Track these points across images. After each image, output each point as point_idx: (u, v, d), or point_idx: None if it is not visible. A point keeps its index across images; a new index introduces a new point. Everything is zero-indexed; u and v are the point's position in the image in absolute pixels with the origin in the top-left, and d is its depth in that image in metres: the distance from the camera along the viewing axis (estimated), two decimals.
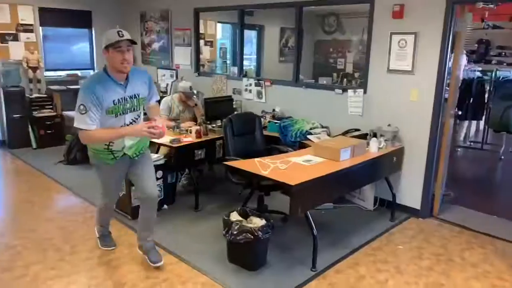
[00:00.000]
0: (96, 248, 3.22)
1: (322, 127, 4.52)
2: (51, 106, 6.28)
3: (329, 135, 4.40)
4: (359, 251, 3.30)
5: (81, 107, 2.43)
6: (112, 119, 2.57)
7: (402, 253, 3.29)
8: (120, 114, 2.58)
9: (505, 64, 9.80)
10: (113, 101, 2.53)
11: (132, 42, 2.52)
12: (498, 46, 10.43)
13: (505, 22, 9.68)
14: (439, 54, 3.67)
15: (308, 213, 2.97)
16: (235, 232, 2.91)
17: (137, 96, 2.66)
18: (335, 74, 7.00)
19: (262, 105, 5.22)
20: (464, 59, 8.51)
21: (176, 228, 3.61)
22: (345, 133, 4.20)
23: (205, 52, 6.68)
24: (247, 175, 3.14)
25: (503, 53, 10.30)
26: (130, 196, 3.68)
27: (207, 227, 3.63)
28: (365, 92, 4.22)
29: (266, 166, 3.11)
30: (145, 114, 2.87)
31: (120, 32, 2.45)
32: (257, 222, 3.05)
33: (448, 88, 4.01)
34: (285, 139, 4.47)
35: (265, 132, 4.69)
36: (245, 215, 3.15)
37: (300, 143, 4.26)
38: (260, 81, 5.26)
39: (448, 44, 3.65)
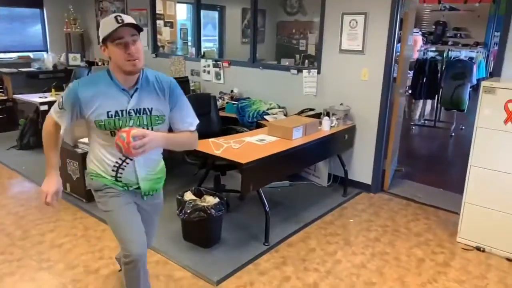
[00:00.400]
0: (48, 231, 3.19)
1: (279, 107, 4.59)
2: (1, 90, 6.02)
3: (285, 115, 4.48)
4: (311, 225, 3.43)
5: (60, 100, 1.86)
6: (107, 137, 1.84)
7: (352, 226, 3.45)
8: (116, 131, 1.80)
9: (460, 44, 10.19)
10: (108, 112, 1.79)
11: (138, 28, 1.74)
12: (454, 27, 10.80)
13: (461, 4, 10.02)
14: (387, 34, 3.78)
15: (261, 190, 3.05)
16: (188, 211, 2.96)
17: (148, 112, 1.85)
18: (297, 56, 7.06)
19: (221, 86, 5.22)
20: (420, 40, 8.78)
21: None
22: (300, 113, 4.28)
23: (165, 33, 6.56)
24: (201, 155, 3.17)
25: (459, 34, 10.69)
26: (84, 178, 3.64)
27: (163, 208, 3.63)
28: (319, 72, 4.30)
29: (219, 146, 3.15)
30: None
31: (118, 17, 1.70)
32: (210, 200, 3.10)
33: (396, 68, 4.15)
34: (242, 119, 4.52)
35: (223, 113, 4.73)
36: (199, 194, 3.20)
37: (257, 124, 4.32)
38: (218, 62, 5.25)
39: (395, 25, 3.76)
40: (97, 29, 6.90)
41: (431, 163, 5.35)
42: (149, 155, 1.88)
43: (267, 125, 3.76)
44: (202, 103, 4.02)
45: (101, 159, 1.93)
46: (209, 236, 3.09)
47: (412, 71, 6.63)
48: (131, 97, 1.83)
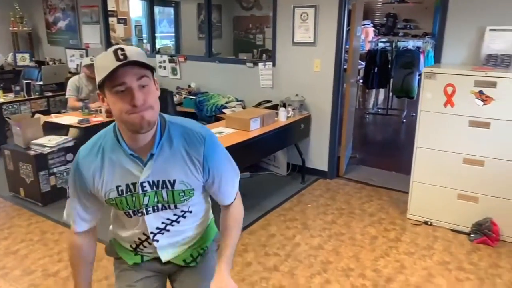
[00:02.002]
0: (2, 239, 3.10)
1: (238, 100, 4.66)
2: None
3: (244, 108, 4.55)
4: (271, 213, 3.54)
5: (68, 188, 1.43)
6: (124, 217, 1.41)
7: (310, 211, 3.59)
8: (131, 213, 1.36)
9: (410, 35, 10.66)
10: (118, 188, 1.32)
11: (147, 66, 1.20)
12: (404, 19, 11.28)
13: None
14: (337, 25, 3.94)
15: None
16: None
17: (169, 185, 1.32)
18: (255, 50, 7.14)
19: (178, 81, 5.22)
20: (371, 32, 9.11)
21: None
22: (258, 105, 4.38)
23: (119, 30, 6.45)
24: None
25: (409, 26, 11.17)
26: (39, 181, 3.55)
27: None
28: (274, 65, 4.40)
29: None
30: None
31: (120, 52, 1.16)
32: None
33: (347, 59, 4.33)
34: (201, 114, 4.55)
35: (181, 108, 4.75)
36: None
37: (216, 117, 4.37)
38: (174, 58, 5.24)
39: (344, 16, 3.93)
40: (47, 27, 6.79)
41: (384, 148, 5.62)
42: (181, 227, 1.44)
43: (225, 118, 3.83)
44: (159, 99, 4.01)
45: (116, 231, 1.53)
46: None
47: (364, 62, 6.90)
48: (145, 165, 1.29)
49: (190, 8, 7.87)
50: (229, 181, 1.43)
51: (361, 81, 7.15)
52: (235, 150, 3.18)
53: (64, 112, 4.41)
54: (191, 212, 1.42)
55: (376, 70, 6.88)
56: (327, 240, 3.09)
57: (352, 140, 4.94)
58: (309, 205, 3.70)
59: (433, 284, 2.58)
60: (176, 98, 4.86)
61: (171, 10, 7.85)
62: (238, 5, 8.18)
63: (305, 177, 4.22)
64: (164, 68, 5.33)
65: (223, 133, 3.42)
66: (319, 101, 4.16)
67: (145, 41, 7.26)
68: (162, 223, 1.39)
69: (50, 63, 6.34)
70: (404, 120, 6.93)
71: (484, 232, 3.05)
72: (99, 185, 1.32)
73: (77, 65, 6.08)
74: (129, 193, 1.32)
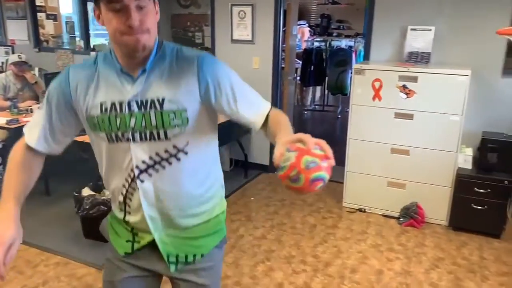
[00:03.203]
0: None
1: None
2: None
3: None
4: None
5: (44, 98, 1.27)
6: (109, 145, 1.21)
7: (253, 204, 3.68)
8: (114, 137, 1.19)
9: (343, 36, 11.20)
10: (101, 105, 1.18)
11: None
12: (337, 20, 11.83)
13: None
14: (273, 24, 4.07)
15: None
16: (87, 207, 2.89)
17: (158, 105, 1.16)
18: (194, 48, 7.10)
19: None
20: (307, 32, 9.45)
21: (23, 215, 3.37)
22: None
23: (48, 26, 6.09)
24: None
25: (342, 26, 11.73)
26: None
27: (60, 210, 3.48)
28: None
29: None
30: None
31: None
32: None
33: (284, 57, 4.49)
34: None
35: None
36: (98, 189, 3.12)
37: None
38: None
39: (280, 15, 4.07)
40: None
41: None
42: (172, 173, 1.22)
43: None
44: None
45: (108, 185, 1.31)
46: None
47: (301, 60, 7.16)
48: (135, 82, 1.17)
49: None
50: (242, 89, 1.23)
51: (298, 79, 7.40)
52: None
53: None
54: (186, 154, 1.21)
55: (312, 69, 7.17)
56: (270, 230, 3.20)
57: None
58: (252, 198, 3.80)
59: (367, 265, 2.78)
60: None
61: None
62: (175, 2, 8.08)
63: (248, 171, 4.32)
64: None
65: None
66: None
67: (77, 38, 6.93)
68: (150, 158, 1.19)
69: None
70: (339, 116, 7.30)
71: (411, 216, 3.33)
72: (83, 99, 1.19)
73: (2, 62, 5.67)
74: (113, 112, 1.17)
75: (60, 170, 4.29)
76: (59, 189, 3.88)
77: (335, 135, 6.50)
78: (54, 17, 6.36)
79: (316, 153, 0.96)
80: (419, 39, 3.53)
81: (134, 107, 1.16)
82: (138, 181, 1.20)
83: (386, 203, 3.48)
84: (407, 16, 3.56)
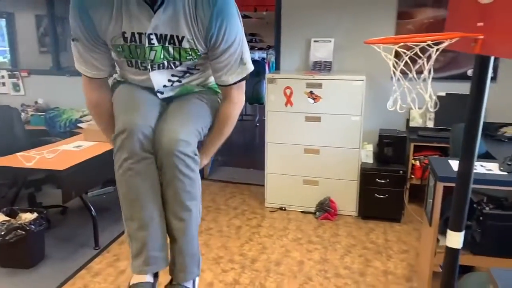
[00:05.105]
0: None
1: None
2: None
3: None
4: None
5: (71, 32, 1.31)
6: (130, 68, 1.38)
7: None
8: (133, 63, 1.34)
9: (256, 48, 11.69)
10: (124, 34, 1.25)
11: None
12: (250, 33, 12.30)
13: (252, 12, 11.50)
14: None
15: (84, 195, 3.04)
16: (3, 233, 2.74)
17: (177, 42, 1.27)
18: None
19: (21, 98, 4.80)
20: None
21: None
22: None
23: None
24: (11, 171, 2.96)
25: (254, 39, 12.23)
26: None
27: None
28: None
29: (31, 159, 3.00)
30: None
31: None
32: (27, 217, 2.93)
33: None
34: (54, 130, 4.30)
35: (30, 127, 4.39)
36: (13, 214, 2.97)
37: (71, 132, 4.18)
38: (15, 72, 4.80)
39: None
40: None
41: (242, 149, 6.14)
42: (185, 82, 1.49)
43: (83, 132, 3.71)
44: (1, 120, 3.67)
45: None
46: (31, 255, 2.90)
47: None
48: (154, 14, 1.20)
49: (27, 20, 7.19)
50: (237, 45, 1.34)
51: None
52: (97, 162, 3.16)
53: None
54: (198, 69, 1.44)
55: None
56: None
57: None
58: None
59: (290, 257, 3.01)
60: (22, 116, 4.46)
61: (2, 22, 7.05)
62: None
63: None
64: (4, 84, 4.84)
65: (82, 147, 3.34)
66: None
67: None
68: (169, 80, 1.41)
69: None
70: (258, 124, 7.63)
71: (325, 209, 3.67)
72: (105, 27, 1.24)
73: None
74: (133, 43, 1.25)
75: None
76: None
77: (254, 142, 6.80)
78: None
79: None
80: (322, 50, 3.93)
81: (154, 41, 1.25)
82: (158, 94, 1.46)
83: (303, 200, 3.78)
84: (310, 29, 3.94)
